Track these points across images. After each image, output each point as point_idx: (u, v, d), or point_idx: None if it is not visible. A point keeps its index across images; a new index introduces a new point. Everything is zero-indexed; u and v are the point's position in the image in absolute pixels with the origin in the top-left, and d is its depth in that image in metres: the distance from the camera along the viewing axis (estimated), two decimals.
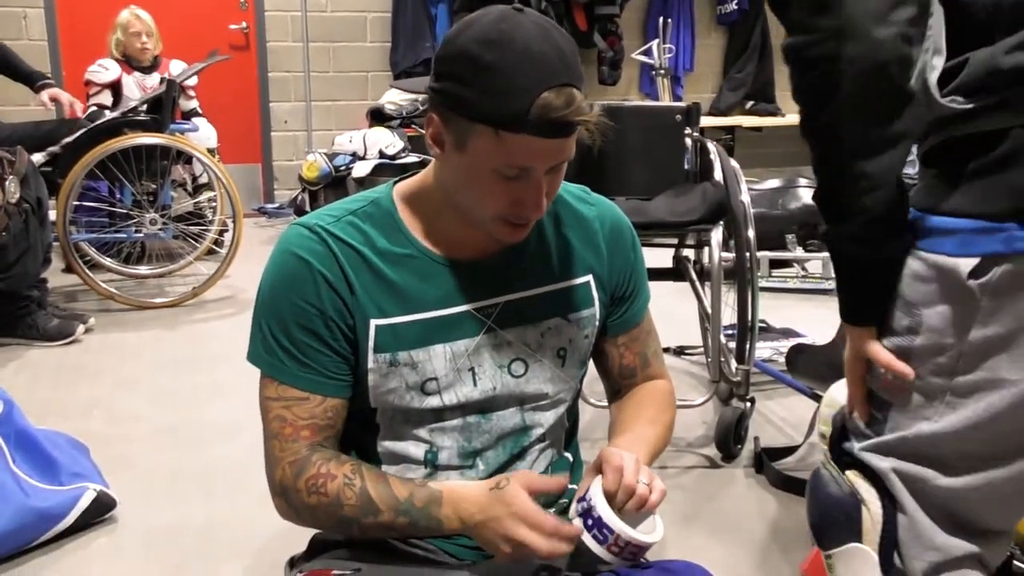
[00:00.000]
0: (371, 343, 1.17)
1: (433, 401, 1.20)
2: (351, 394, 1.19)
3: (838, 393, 1.33)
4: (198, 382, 3.26)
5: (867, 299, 1.07)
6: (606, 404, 1.39)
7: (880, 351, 1.07)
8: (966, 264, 0.96)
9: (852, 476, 1.11)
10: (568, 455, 1.36)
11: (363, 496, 1.13)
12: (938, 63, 0.97)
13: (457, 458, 1.23)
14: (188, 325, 3.98)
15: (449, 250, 1.20)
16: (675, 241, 3.09)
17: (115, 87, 4.82)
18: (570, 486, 1.30)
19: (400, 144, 5.60)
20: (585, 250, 1.27)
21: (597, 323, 1.29)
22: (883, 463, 1.07)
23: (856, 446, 1.11)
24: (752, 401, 2.64)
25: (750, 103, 7.52)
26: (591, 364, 1.36)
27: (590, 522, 1.08)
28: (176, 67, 4.95)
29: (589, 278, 1.27)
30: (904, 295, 1.03)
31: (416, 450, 1.22)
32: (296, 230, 1.18)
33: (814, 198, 1.09)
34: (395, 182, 1.24)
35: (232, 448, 2.68)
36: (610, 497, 1.09)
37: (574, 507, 1.12)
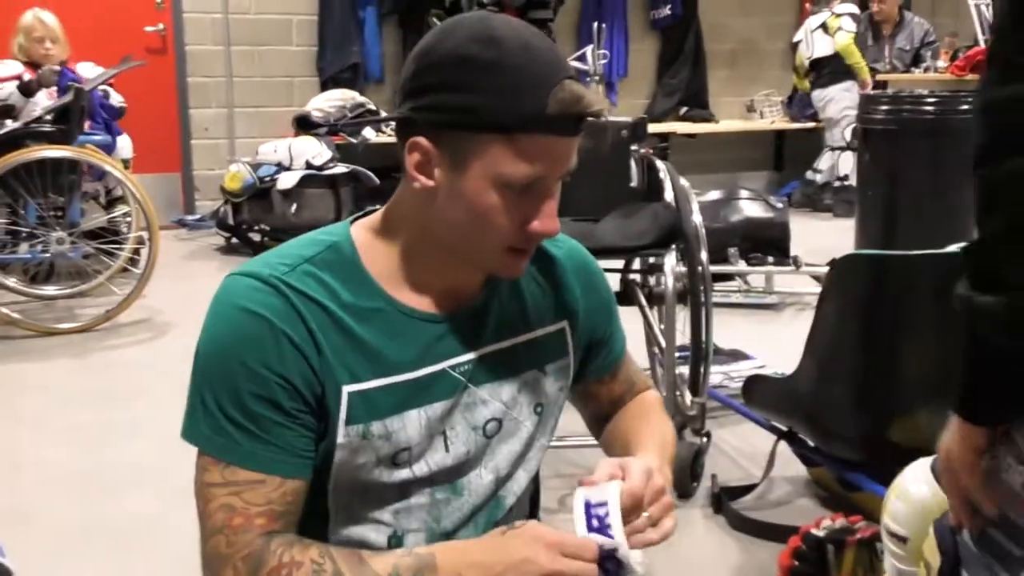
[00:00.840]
0: (343, 414, 1.00)
1: (402, 474, 1.05)
2: (311, 475, 1.01)
3: (912, 484, 1.03)
4: (112, 419, 3.01)
5: (1002, 397, 0.83)
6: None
7: (974, 469, 0.83)
8: None
9: None
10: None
11: None
12: None
13: (425, 542, 1.07)
14: (100, 352, 3.72)
15: (419, 301, 1.06)
16: (622, 264, 2.95)
17: (25, 89, 4.44)
18: None
19: (328, 154, 5.40)
20: (558, 293, 1.16)
21: (571, 374, 1.19)
22: None
23: None
24: (708, 435, 2.52)
25: (684, 109, 7.47)
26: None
27: (595, 523, 0.95)
28: (85, 69, 4.64)
29: (564, 324, 1.17)
30: None
31: (377, 536, 1.06)
32: (244, 282, 1.00)
33: (969, 251, 0.80)
34: (352, 220, 1.09)
35: (151, 496, 2.45)
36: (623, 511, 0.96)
37: (580, 507, 0.97)
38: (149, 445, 2.75)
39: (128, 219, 4.54)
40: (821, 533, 1.96)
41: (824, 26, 6.74)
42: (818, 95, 6.86)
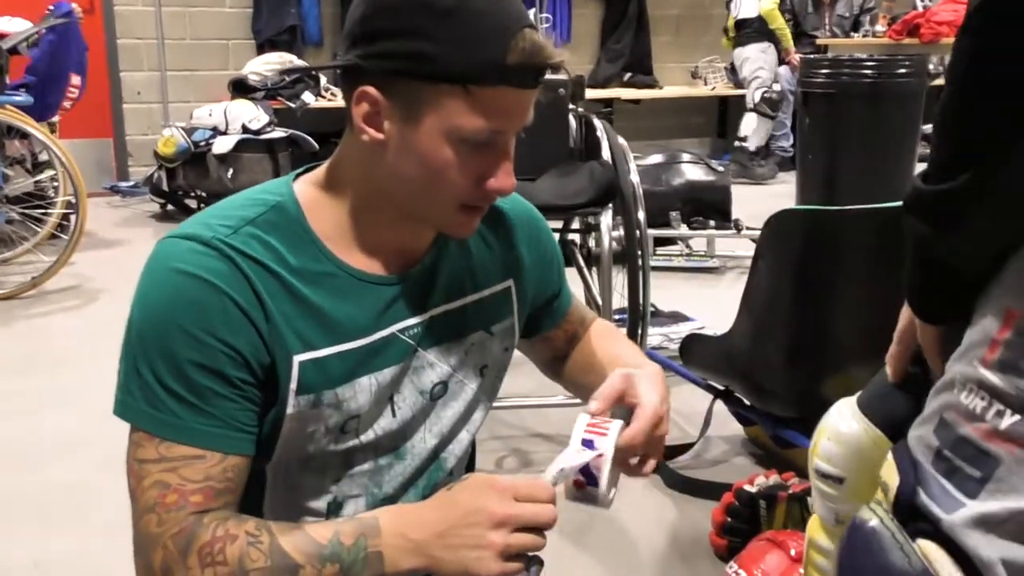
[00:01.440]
0: (293, 383, 0.94)
1: (349, 442, 1.00)
2: (253, 451, 0.95)
3: (842, 423, 1.02)
4: (36, 386, 2.92)
5: (949, 302, 0.87)
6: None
7: (938, 356, 0.88)
8: None
9: (929, 549, 0.81)
10: None
11: (275, 552, 0.88)
12: None
13: (365, 507, 1.03)
14: (25, 320, 3.60)
15: (368, 264, 1.00)
16: (560, 224, 2.92)
17: None
18: None
19: (265, 118, 5.28)
20: (504, 251, 1.12)
21: (516, 333, 1.15)
22: (989, 551, 0.78)
23: (945, 516, 0.80)
24: None
25: (628, 75, 7.44)
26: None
27: (579, 462, 0.93)
28: (5, 24, 4.44)
29: (509, 283, 1.13)
30: None
31: (316, 503, 1.02)
32: (183, 245, 0.92)
33: (924, 192, 0.82)
34: (294, 177, 1.02)
35: (76, 466, 2.38)
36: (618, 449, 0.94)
37: (577, 442, 0.95)
38: (75, 413, 2.68)
39: (55, 184, 4.39)
40: (754, 489, 1.97)
41: None
42: (737, 53, 6.89)
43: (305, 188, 0.99)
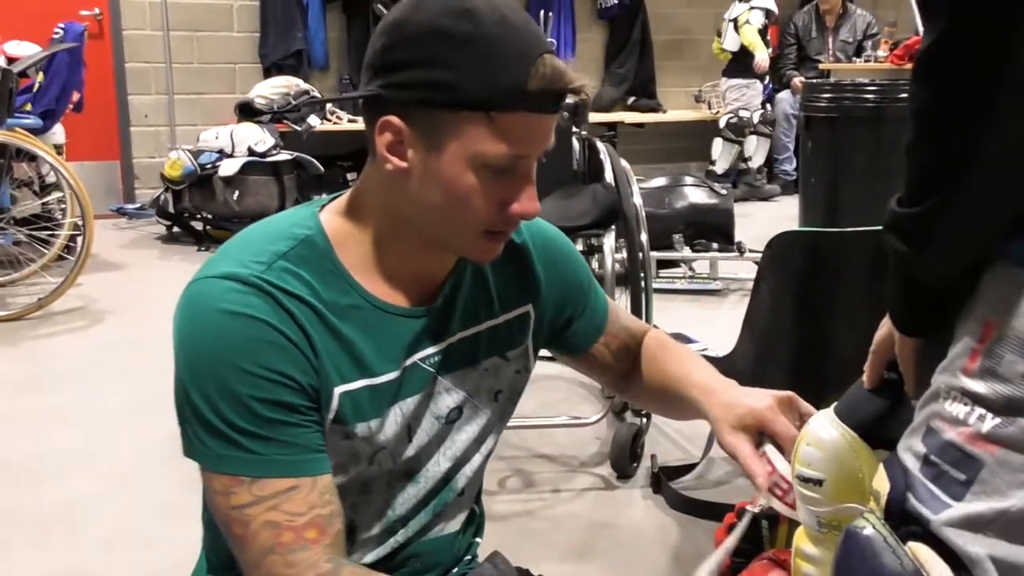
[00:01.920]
0: (331, 414, 0.95)
1: (372, 471, 1.01)
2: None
3: (822, 430, 1.08)
4: (39, 406, 2.93)
5: (926, 316, 0.93)
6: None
7: (913, 366, 0.94)
8: None
9: (919, 550, 0.85)
10: (476, 508, 1.21)
11: None
12: None
13: (377, 528, 1.05)
14: (31, 341, 3.61)
15: (392, 295, 1.01)
16: None
17: None
18: (475, 540, 1.20)
19: (271, 141, 5.32)
20: (521, 277, 1.12)
21: (531, 359, 1.15)
22: (976, 547, 0.83)
23: (934, 517, 0.85)
24: (648, 416, 2.51)
25: (632, 99, 7.49)
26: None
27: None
28: (15, 48, 4.49)
29: (528, 308, 1.13)
30: (1021, 333, 0.83)
31: None
32: (221, 285, 0.92)
33: (900, 214, 0.88)
34: (320, 207, 1.02)
35: (76, 485, 2.38)
36: None
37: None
38: (79, 432, 2.68)
39: (63, 206, 4.42)
40: (756, 509, 1.96)
41: (735, 21, 6.79)
42: (722, 81, 7.02)
43: (331, 219, 0.99)
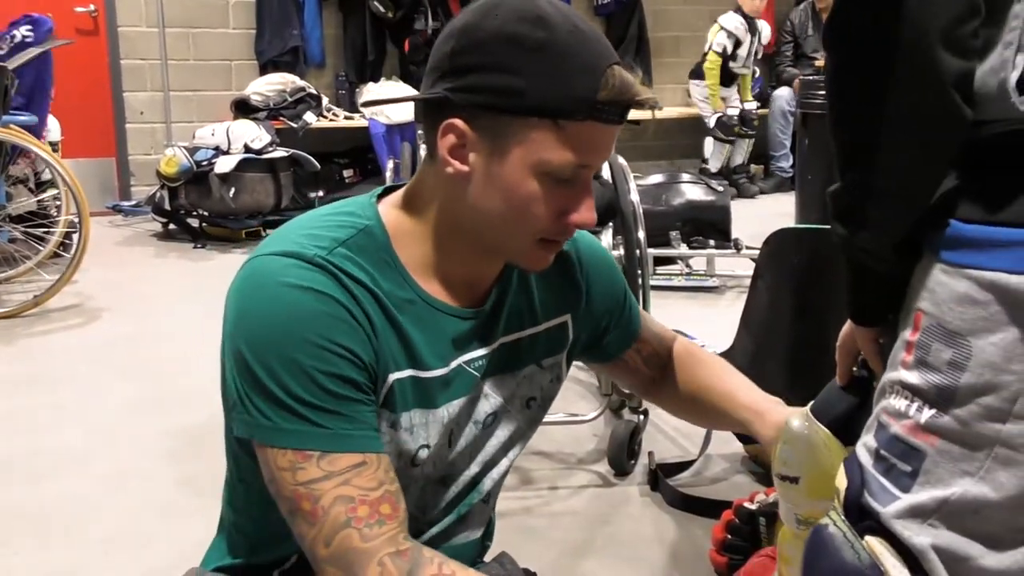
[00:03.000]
0: (381, 399, 0.95)
1: (414, 474, 1.01)
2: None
3: (797, 428, 1.10)
4: (36, 404, 2.91)
5: (875, 304, 0.97)
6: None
7: (876, 357, 0.98)
8: None
9: (873, 544, 0.89)
10: (492, 515, 1.22)
11: None
12: (1021, 61, 0.82)
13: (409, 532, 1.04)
14: (27, 339, 3.60)
15: (445, 294, 1.01)
16: None
17: None
18: (487, 543, 1.21)
19: (267, 138, 5.31)
20: (564, 285, 1.14)
21: (564, 369, 1.17)
22: (921, 538, 0.86)
23: (883, 510, 0.88)
24: (645, 413, 2.51)
25: None
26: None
27: None
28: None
29: (567, 318, 1.14)
30: (944, 322, 0.85)
31: None
32: (283, 261, 0.91)
33: (833, 194, 0.92)
34: (378, 198, 1.02)
35: (73, 484, 2.37)
36: None
37: None
38: (76, 431, 2.68)
39: (58, 203, 4.41)
40: (753, 507, 1.96)
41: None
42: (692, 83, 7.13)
43: (389, 212, 1.00)
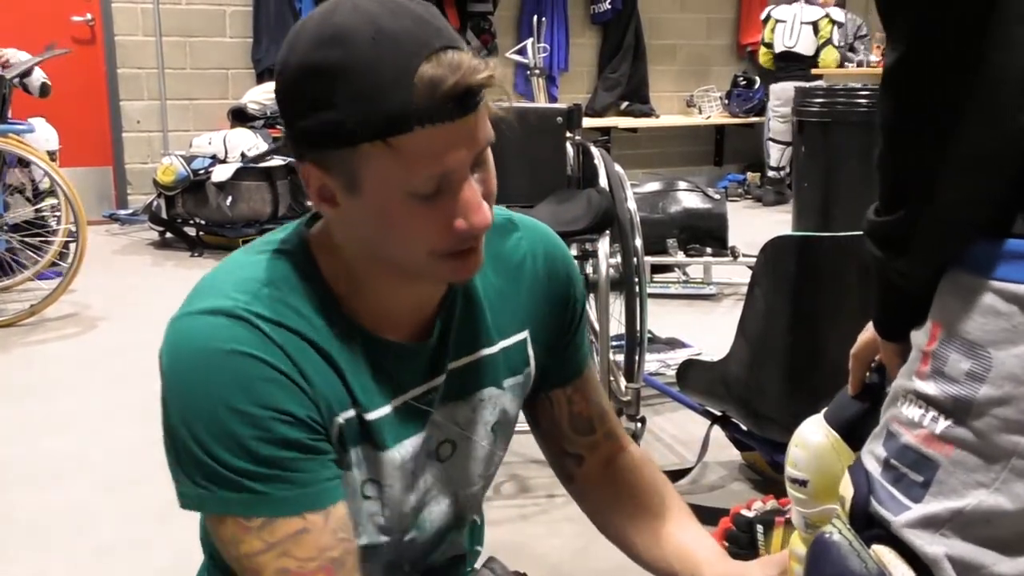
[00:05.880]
0: (335, 440, 0.90)
1: (372, 507, 0.97)
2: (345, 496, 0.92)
3: (809, 432, 1.11)
4: (32, 412, 2.91)
5: (906, 320, 0.94)
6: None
7: (896, 369, 0.96)
8: None
9: (882, 552, 0.87)
10: (477, 519, 1.19)
11: None
12: None
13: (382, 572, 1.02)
14: (23, 347, 3.60)
15: (384, 328, 0.95)
16: None
17: None
18: (476, 548, 1.18)
19: (264, 146, 5.31)
20: (518, 297, 1.05)
21: (530, 385, 1.08)
22: (934, 547, 0.84)
23: (893, 519, 0.87)
24: (643, 421, 2.50)
25: (625, 103, 7.50)
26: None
27: None
28: (14, 56, 4.47)
29: (525, 334, 1.05)
30: (965, 334, 0.85)
31: None
32: (204, 321, 0.86)
33: (880, 224, 0.90)
34: (304, 225, 0.95)
35: (70, 491, 2.37)
36: None
37: None
38: (72, 438, 2.67)
39: (57, 213, 4.40)
40: (751, 514, 1.96)
41: (815, 26, 6.80)
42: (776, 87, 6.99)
43: (318, 246, 0.93)
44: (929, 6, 0.80)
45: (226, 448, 0.84)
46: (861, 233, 2.01)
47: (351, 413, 0.91)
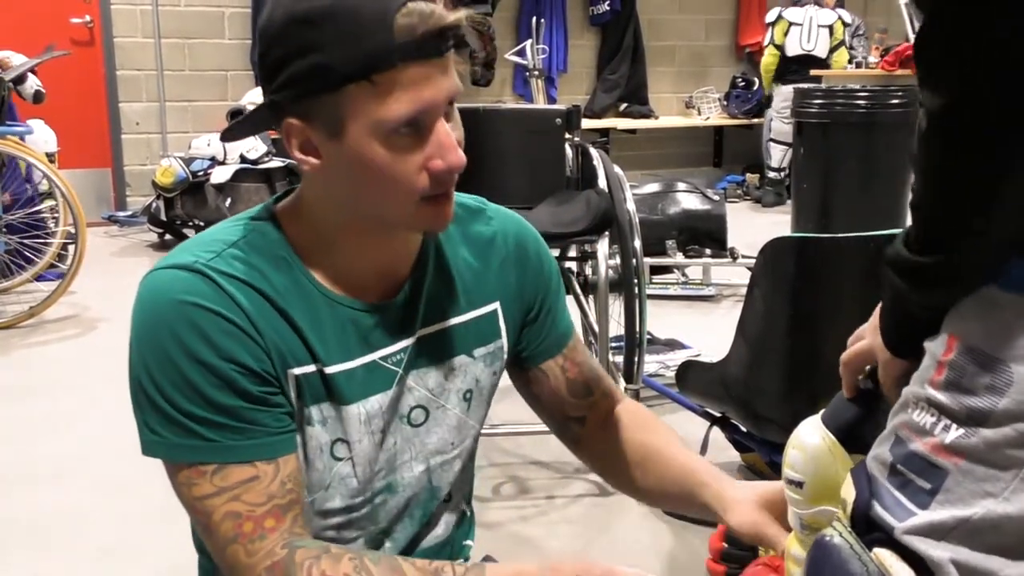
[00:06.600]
0: (291, 394, 0.95)
1: (342, 469, 1.00)
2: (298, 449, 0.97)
3: (805, 434, 1.11)
4: (32, 413, 2.91)
5: (916, 338, 0.94)
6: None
7: (899, 387, 0.94)
8: None
9: (883, 556, 0.87)
10: (466, 510, 1.20)
11: None
12: None
13: (364, 543, 1.05)
14: (23, 349, 3.60)
15: (350, 289, 1.00)
16: (556, 252, 2.93)
17: None
18: (466, 542, 1.19)
19: (263, 148, 5.31)
20: (488, 273, 1.10)
21: (505, 356, 1.13)
22: (939, 552, 0.84)
23: (897, 524, 0.87)
24: None
25: (624, 105, 7.50)
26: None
27: None
28: (13, 58, 4.47)
29: (496, 306, 1.11)
30: (984, 346, 0.85)
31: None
32: (168, 274, 0.93)
33: (911, 263, 0.90)
34: (274, 201, 1.02)
35: (70, 491, 2.37)
36: None
37: None
38: (71, 440, 2.67)
39: (56, 214, 4.41)
40: None
41: (831, 29, 6.82)
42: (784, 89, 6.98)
43: (287, 215, 1.00)
44: (985, 59, 0.79)
45: (181, 392, 0.90)
46: (860, 235, 2.02)
47: (311, 368, 0.96)
